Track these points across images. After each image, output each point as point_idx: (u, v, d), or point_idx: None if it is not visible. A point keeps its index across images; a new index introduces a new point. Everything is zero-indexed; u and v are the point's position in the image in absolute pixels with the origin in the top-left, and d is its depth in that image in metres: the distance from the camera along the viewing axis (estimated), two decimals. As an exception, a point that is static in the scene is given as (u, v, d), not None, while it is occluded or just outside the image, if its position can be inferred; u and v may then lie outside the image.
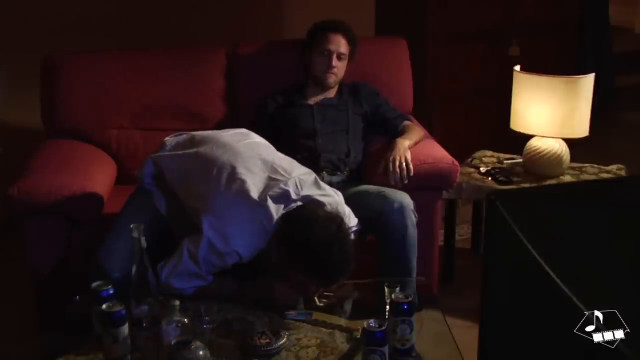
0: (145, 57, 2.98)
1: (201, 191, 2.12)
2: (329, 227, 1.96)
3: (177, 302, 1.87)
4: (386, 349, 1.70)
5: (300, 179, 2.11)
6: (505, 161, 3.09)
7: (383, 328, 1.70)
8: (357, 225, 2.27)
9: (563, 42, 4.02)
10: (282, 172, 2.12)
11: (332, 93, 2.82)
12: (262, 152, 2.22)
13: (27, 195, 2.34)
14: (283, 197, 2.05)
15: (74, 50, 2.95)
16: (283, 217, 2.03)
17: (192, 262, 2.03)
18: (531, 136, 2.95)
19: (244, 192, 2.05)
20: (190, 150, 2.24)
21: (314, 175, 2.19)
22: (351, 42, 2.76)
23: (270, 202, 2.02)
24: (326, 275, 1.97)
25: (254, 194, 2.04)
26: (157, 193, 2.25)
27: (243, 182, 2.07)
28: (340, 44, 2.72)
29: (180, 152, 2.26)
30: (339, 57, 2.73)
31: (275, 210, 2.02)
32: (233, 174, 2.09)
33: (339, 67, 2.74)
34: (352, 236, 2.23)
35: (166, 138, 2.36)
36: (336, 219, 2.01)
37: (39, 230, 2.41)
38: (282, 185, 2.05)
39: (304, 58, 2.81)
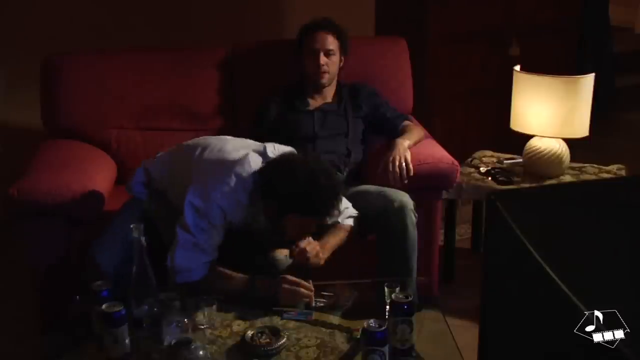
0: (145, 57, 2.98)
1: (187, 174, 2.16)
2: (306, 161, 2.05)
3: (177, 302, 1.87)
4: (386, 349, 1.70)
5: (277, 146, 2.19)
6: (505, 161, 3.09)
7: (383, 328, 1.70)
8: (355, 213, 2.34)
9: (563, 42, 4.02)
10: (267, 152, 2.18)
11: (331, 97, 2.81)
12: (250, 143, 2.26)
13: (27, 195, 2.34)
14: (262, 154, 2.13)
15: (74, 50, 2.95)
16: (261, 171, 2.08)
17: (185, 232, 2.06)
18: (531, 136, 2.95)
19: (224, 154, 2.13)
20: (177, 147, 2.34)
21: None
22: (338, 37, 2.74)
23: (251, 154, 2.10)
24: (319, 204, 2.00)
25: (235, 155, 2.12)
26: (147, 201, 2.29)
27: (225, 152, 2.15)
28: (326, 41, 2.71)
29: (167, 152, 2.37)
30: (327, 54, 2.72)
31: (254, 162, 2.09)
32: (218, 150, 2.17)
33: (329, 64, 2.73)
34: (352, 222, 2.31)
35: (158, 153, 2.44)
36: (313, 155, 2.08)
37: (39, 230, 2.41)
38: (262, 145, 2.15)
39: (297, 64, 2.80)
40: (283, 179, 2.02)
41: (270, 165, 2.10)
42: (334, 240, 2.27)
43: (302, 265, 2.15)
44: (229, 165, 2.10)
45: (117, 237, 2.14)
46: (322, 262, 2.18)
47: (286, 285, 2.04)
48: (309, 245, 2.15)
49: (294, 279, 2.05)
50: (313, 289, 2.05)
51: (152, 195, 2.32)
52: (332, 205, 2.05)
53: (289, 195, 2.01)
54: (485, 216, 1.44)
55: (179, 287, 2.06)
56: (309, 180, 2.00)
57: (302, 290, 2.04)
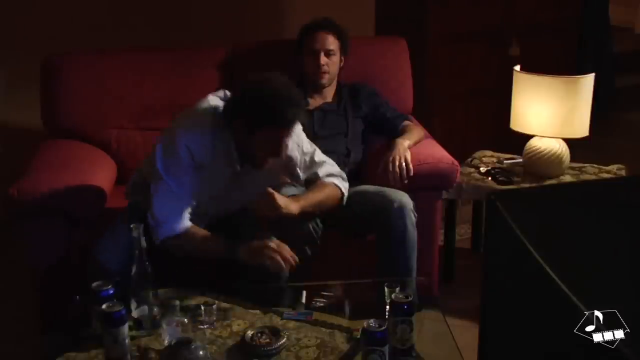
0: (145, 57, 2.98)
1: None
2: (259, 75, 2.12)
3: (177, 302, 1.88)
4: (386, 349, 1.70)
5: None
6: (505, 161, 3.09)
7: (383, 328, 1.70)
8: (339, 172, 2.39)
9: (563, 42, 4.02)
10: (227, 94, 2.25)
11: (331, 97, 2.81)
12: None
13: (27, 195, 2.34)
14: (222, 98, 2.21)
15: (74, 50, 2.95)
16: (224, 107, 2.16)
17: (157, 180, 2.13)
18: (531, 136, 2.95)
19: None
20: None
21: None
22: (339, 37, 2.74)
23: (210, 96, 2.21)
24: (276, 106, 2.05)
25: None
26: (143, 201, 2.30)
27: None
28: (326, 41, 2.71)
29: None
30: (328, 54, 2.72)
31: (213, 100, 2.18)
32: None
33: (330, 64, 2.73)
34: (338, 183, 2.34)
35: None
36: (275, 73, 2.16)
37: (39, 230, 2.41)
38: (222, 91, 2.23)
39: (297, 64, 2.80)
40: (239, 92, 2.12)
41: (230, 98, 2.18)
42: (314, 194, 2.28)
43: (267, 218, 2.16)
44: (189, 109, 2.20)
45: (119, 237, 2.14)
46: (291, 210, 2.16)
47: (269, 249, 2.05)
48: (267, 195, 2.13)
49: (277, 242, 2.07)
50: (292, 254, 2.06)
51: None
52: (289, 108, 2.08)
53: (247, 105, 2.08)
54: (485, 216, 1.43)
55: (163, 245, 2.10)
56: (262, 84, 2.08)
57: (284, 254, 2.05)
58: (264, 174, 2.24)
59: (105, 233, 2.22)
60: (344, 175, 2.41)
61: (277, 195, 2.13)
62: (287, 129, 2.12)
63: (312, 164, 2.35)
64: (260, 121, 2.07)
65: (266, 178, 2.26)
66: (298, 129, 2.31)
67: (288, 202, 2.16)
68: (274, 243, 2.06)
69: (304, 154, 2.34)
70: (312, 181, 2.35)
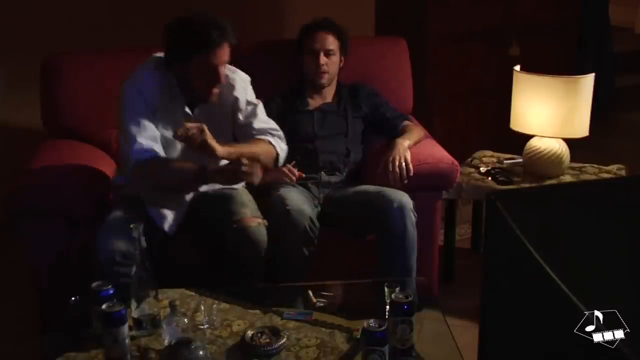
0: (145, 57, 2.96)
1: None
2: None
3: (177, 303, 1.88)
4: (386, 349, 1.70)
5: None
6: (505, 161, 3.09)
7: (383, 328, 1.70)
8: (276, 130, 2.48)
9: (563, 42, 4.02)
10: None
11: (331, 97, 2.81)
12: None
13: (27, 195, 2.34)
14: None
15: (74, 50, 2.95)
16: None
17: (119, 124, 2.31)
18: (531, 136, 2.95)
19: None
20: None
21: None
22: (339, 37, 2.74)
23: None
24: (202, 29, 2.18)
25: None
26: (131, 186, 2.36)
27: None
28: (326, 41, 2.71)
29: None
30: (327, 54, 2.71)
31: (156, 54, 2.34)
32: None
33: (329, 64, 2.72)
34: (273, 141, 2.42)
35: None
36: None
37: (39, 230, 2.41)
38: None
39: (297, 64, 2.80)
40: (163, 35, 2.26)
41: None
42: (244, 146, 2.35)
43: (190, 144, 2.21)
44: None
45: (119, 230, 2.15)
46: (214, 145, 2.20)
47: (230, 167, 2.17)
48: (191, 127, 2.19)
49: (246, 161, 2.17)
50: (246, 163, 2.15)
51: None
52: (211, 30, 2.18)
53: (172, 42, 2.25)
54: (485, 216, 1.43)
55: (135, 178, 2.23)
56: (182, 18, 2.24)
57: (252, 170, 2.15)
58: (217, 123, 2.31)
59: (103, 226, 2.23)
60: (282, 135, 2.48)
61: (207, 130, 2.19)
62: (216, 52, 2.21)
63: (253, 114, 2.44)
64: (188, 52, 2.20)
65: (219, 129, 2.32)
66: (244, 77, 2.44)
67: (215, 141, 2.21)
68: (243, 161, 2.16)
69: (248, 102, 2.44)
70: (246, 136, 2.43)
